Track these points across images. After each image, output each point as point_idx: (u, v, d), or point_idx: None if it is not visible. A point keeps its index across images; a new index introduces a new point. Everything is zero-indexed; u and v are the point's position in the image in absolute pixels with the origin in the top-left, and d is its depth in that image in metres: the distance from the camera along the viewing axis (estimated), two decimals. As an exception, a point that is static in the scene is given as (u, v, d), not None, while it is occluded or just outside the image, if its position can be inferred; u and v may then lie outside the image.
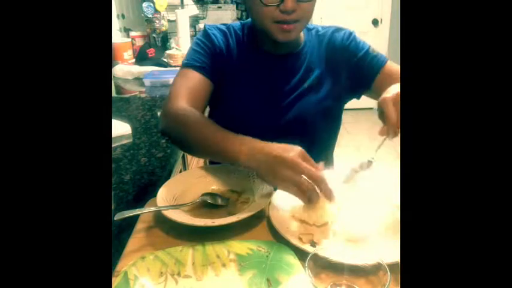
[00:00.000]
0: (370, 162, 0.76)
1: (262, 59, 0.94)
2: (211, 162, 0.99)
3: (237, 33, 0.96)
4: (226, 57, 0.93)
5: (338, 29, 0.98)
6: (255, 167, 0.68)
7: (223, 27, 0.96)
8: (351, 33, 0.97)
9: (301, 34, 0.95)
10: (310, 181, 0.63)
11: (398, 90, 0.67)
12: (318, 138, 0.98)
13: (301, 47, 0.94)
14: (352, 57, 0.94)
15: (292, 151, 0.65)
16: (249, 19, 0.95)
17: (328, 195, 0.65)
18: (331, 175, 0.82)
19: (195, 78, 0.89)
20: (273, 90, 0.93)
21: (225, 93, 0.94)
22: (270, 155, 0.65)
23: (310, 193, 0.63)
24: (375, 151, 0.75)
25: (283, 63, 0.93)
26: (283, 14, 0.79)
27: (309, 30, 0.98)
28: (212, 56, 0.92)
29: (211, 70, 0.91)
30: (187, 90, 0.88)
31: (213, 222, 0.65)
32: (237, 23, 0.99)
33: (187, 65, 0.91)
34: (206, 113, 0.97)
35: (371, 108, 3.98)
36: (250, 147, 0.68)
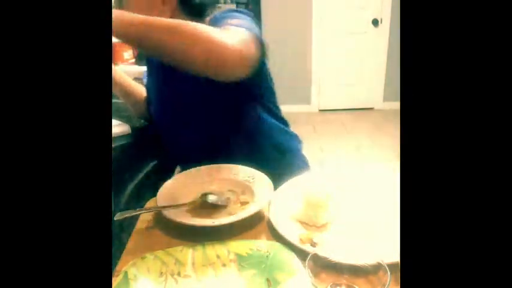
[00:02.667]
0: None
1: None
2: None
3: None
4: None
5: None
6: None
7: None
8: (229, 9, 0.91)
9: None
10: None
11: None
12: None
13: None
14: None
15: None
16: None
17: None
18: (332, 175, 0.82)
19: None
20: (163, 84, 1.03)
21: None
22: None
23: None
24: None
25: None
26: None
27: None
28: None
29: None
30: None
31: (213, 222, 0.65)
32: None
33: None
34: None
35: (371, 108, 3.99)
36: None
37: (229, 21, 0.80)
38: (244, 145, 0.97)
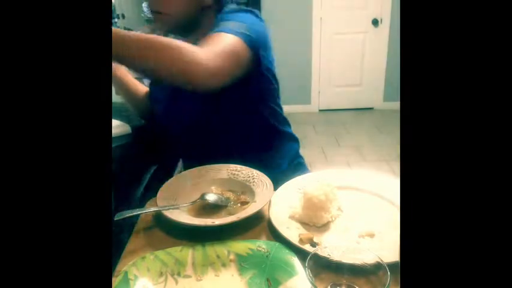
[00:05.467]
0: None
1: None
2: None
3: None
4: None
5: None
6: None
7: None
8: (230, 10, 0.93)
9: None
10: None
11: None
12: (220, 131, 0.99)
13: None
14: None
15: None
16: None
17: None
18: (332, 175, 0.82)
19: None
20: (166, 93, 1.03)
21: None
22: None
23: None
24: None
25: None
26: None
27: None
28: None
29: None
30: None
31: (213, 222, 0.65)
32: None
33: None
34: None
35: (371, 108, 3.99)
36: None
37: (224, 24, 0.82)
38: (242, 145, 0.97)
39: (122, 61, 0.70)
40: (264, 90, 0.97)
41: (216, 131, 0.97)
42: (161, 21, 0.90)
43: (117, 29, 0.67)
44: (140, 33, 0.69)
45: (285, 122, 1.07)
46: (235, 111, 0.94)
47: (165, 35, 0.91)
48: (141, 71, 0.76)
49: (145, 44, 0.68)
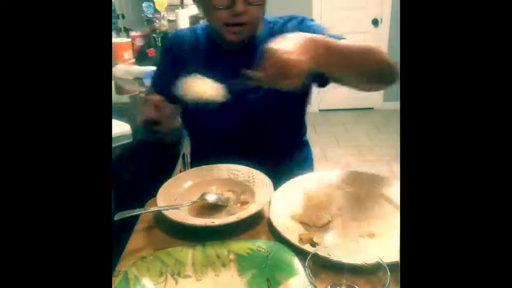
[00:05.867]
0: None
1: (218, 58, 0.96)
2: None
3: (198, 36, 0.99)
4: (183, 61, 0.97)
5: (291, 18, 0.98)
6: None
7: (185, 31, 1.02)
8: (303, 19, 0.96)
9: (260, 28, 0.96)
10: None
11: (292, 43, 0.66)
12: (273, 131, 0.98)
13: (254, 43, 0.94)
14: None
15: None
16: None
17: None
18: (332, 175, 0.82)
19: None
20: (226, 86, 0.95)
21: None
22: None
23: None
24: None
25: (234, 59, 0.92)
26: (233, 17, 0.82)
27: (268, 23, 0.99)
28: (170, 66, 0.98)
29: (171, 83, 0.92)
30: None
31: (213, 222, 0.65)
32: (204, 24, 1.02)
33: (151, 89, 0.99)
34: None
35: (371, 108, 3.99)
36: None
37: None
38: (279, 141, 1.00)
39: (336, 70, 0.74)
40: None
41: (273, 128, 0.98)
42: (246, 31, 0.87)
43: (329, 40, 0.71)
44: (345, 42, 0.77)
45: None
46: (298, 108, 1.00)
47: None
48: (350, 77, 0.79)
49: (362, 50, 0.76)
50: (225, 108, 0.89)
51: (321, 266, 0.51)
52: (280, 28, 0.96)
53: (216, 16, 0.83)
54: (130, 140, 1.24)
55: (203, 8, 0.88)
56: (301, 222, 0.68)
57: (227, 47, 0.94)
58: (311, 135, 1.14)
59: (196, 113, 0.93)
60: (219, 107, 0.88)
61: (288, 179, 0.80)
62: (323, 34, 0.90)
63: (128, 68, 2.09)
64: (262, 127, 0.94)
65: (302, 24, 0.95)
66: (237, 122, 0.93)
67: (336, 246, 0.53)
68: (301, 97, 0.99)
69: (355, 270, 0.51)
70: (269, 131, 0.97)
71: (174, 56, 0.98)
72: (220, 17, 0.83)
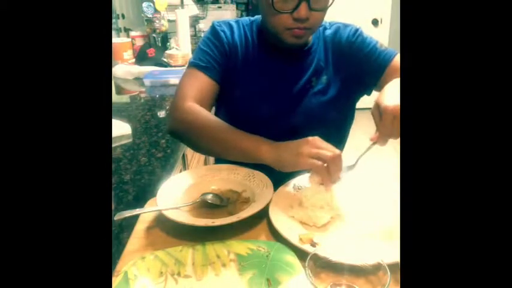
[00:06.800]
0: (351, 167, 0.77)
1: (271, 58, 0.93)
2: (217, 161, 0.99)
3: (245, 31, 0.96)
4: (234, 55, 0.93)
5: (345, 26, 0.98)
6: (275, 160, 0.75)
7: (233, 23, 0.96)
8: (357, 29, 0.97)
9: None
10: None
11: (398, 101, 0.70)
12: (327, 138, 0.98)
13: (309, 45, 0.94)
14: (359, 53, 0.93)
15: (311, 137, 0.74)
16: (257, 16, 0.96)
17: (334, 176, 0.72)
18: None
19: (201, 79, 0.90)
20: (281, 89, 0.93)
21: (232, 93, 0.93)
22: (291, 144, 0.74)
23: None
24: (359, 156, 0.79)
25: (292, 63, 0.93)
26: (295, 22, 0.80)
27: None
28: (220, 55, 0.92)
29: (218, 71, 0.91)
30: (194, 91, 0.88)
31: (213, 222, 0.65)
32: (246, 19, 0.98)
33: (193, 64, 0.91)
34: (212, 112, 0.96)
35: (371, 108, 3.98)
36: (268, 144, 0.77)
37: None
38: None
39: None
40: None
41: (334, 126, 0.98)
42: (307, 36, 0.87)
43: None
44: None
45: None
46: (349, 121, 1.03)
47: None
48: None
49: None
50: (282, 107, 0.92)
51: (321, 266, 0.51)
52: (335, 35, 0.96)
53: (278, 20, 0.81)
54: (130, 140, 1.25)
55: (263, 9, 0.85)
56: (301, 222, 0.68)
57: (282, 46, 0.90)
58: (311, 135, 1.13)
59: (250, 104, 0.93)
60: (278, 107, 0.92)
61: (289, 178, 0.80)
62: (375, 47, 0.94)
63: (128, 68, 2.09)
64: (310, 130, 0.88)
65: (357, 34, 0.96)
66: (287, 123, 0.92)
67: (336, 246, 0.53)
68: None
69: (355, 270, 0.51)
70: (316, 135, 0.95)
71: (226, 47, 0.93)
72: (283, 21, 0.81)
